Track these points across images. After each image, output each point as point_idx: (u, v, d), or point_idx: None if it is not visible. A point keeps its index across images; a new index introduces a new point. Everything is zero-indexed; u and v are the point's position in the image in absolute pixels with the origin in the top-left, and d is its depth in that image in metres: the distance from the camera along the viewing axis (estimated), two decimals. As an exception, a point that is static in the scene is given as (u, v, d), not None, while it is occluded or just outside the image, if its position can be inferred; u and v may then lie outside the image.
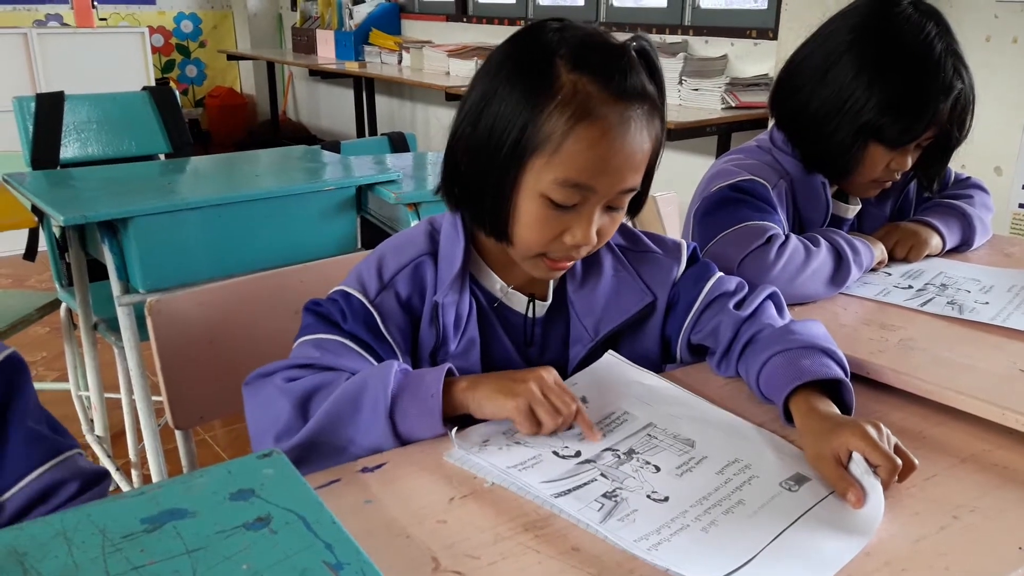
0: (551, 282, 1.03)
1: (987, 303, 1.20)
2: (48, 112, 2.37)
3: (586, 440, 0.85)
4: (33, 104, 2.39)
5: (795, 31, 2.71)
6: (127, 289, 1.77)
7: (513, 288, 1.01)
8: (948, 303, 1.20)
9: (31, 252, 2.24)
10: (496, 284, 1.01)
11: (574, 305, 1.03)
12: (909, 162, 1.29)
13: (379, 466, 0.80)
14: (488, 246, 1.00)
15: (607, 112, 0.85)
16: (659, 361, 1.07)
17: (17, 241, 2.32)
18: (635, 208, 0.99)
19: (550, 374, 0.88)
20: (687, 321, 1.04)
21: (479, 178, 0.91)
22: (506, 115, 0.87)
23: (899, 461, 0.76)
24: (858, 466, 0.76)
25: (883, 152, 1.27)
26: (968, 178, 1.56)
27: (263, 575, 0.60)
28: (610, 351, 1.02)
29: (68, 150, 2.45)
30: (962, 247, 1.46)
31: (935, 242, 1.41)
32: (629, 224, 1.09)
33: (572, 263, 0.98)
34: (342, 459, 0.83)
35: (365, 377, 0.86)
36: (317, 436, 0.84)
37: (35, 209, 1.88)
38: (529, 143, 0.87)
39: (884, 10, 1.25)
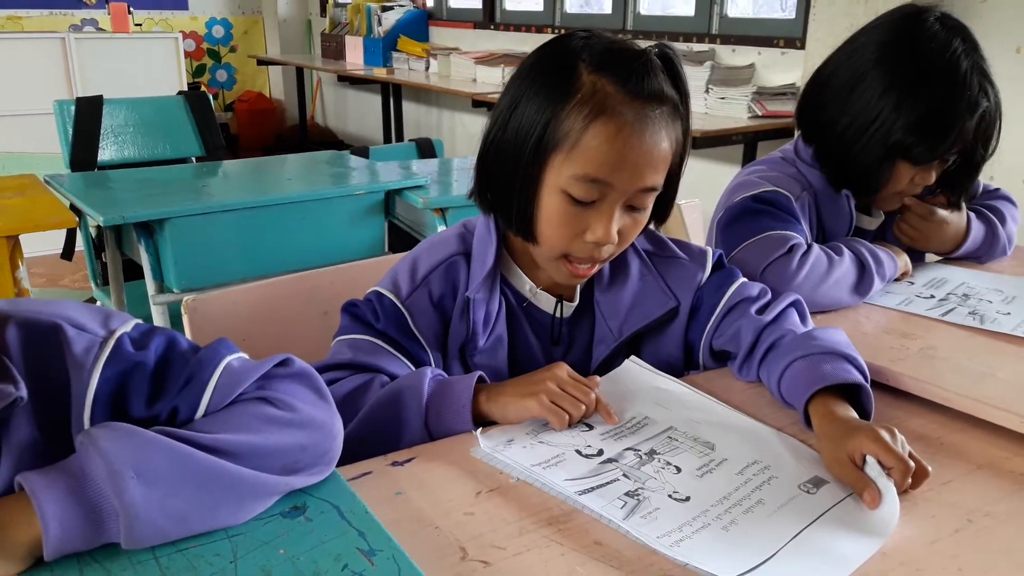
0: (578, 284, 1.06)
1: (1009, 313, 1.20)
2: (88, 115, 2.44)
3: (607, 440, 0.87)
4: (73, 107, 2.45)
5: (823, 41, 2.71)
6: (161, 289, 1.82)
7: (542, 289, 1.04)
8: (970, 313, 1.21)
9: (69, 252, 2.29)
10: (526, 285, 1.04)
11: (600, 306, 1.06)
12: (933, 176, 1.29)
13: (408, 460, 0.83)
14: (519, 248, 1.03)
15: (624, 110, 0.89)
16: (682, 367, 1.09)
17: (49, 241, 2.36)
18: (661, 214, 1.02)
19: (562, 369, 0.92)
20: (709, 325, 1.05)
21: (506, 178, 0.95)
22: (531, 115, 0.91)
23: (912, 463, 0.78)
24: (872, 468, 0.78)
25: (909, 168, 1.27)
26: (997, 189, 1.56)
27: (300, 559, 0.63)
28: (632, 357, 1.04)
29: (105, 152, 2.51)
30: (983, 257, 1.47)
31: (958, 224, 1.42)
32: (656, 230, 1.11)
33: (594, 270, 1.00)
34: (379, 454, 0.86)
35: (401, 388, 0.90)
36: (357, 437, 0.88)
37: (74, 209, 1.93)
38: (550, 140, 0.90)
39: (911, 26, 1.24)
